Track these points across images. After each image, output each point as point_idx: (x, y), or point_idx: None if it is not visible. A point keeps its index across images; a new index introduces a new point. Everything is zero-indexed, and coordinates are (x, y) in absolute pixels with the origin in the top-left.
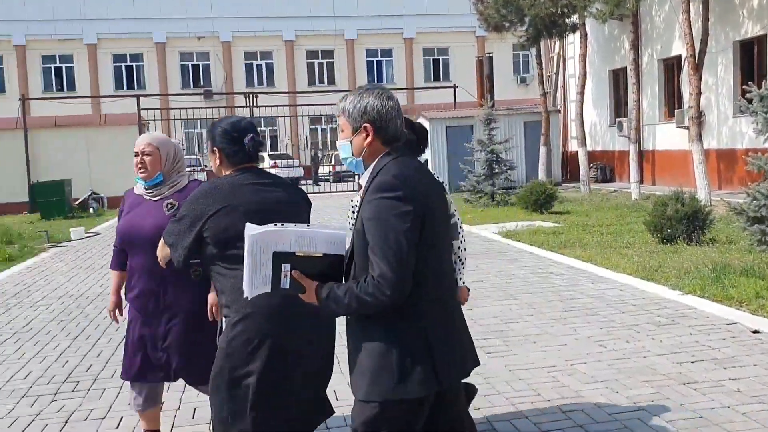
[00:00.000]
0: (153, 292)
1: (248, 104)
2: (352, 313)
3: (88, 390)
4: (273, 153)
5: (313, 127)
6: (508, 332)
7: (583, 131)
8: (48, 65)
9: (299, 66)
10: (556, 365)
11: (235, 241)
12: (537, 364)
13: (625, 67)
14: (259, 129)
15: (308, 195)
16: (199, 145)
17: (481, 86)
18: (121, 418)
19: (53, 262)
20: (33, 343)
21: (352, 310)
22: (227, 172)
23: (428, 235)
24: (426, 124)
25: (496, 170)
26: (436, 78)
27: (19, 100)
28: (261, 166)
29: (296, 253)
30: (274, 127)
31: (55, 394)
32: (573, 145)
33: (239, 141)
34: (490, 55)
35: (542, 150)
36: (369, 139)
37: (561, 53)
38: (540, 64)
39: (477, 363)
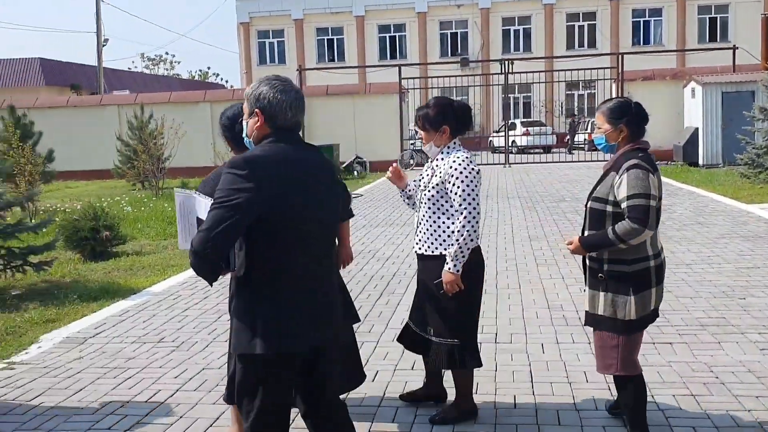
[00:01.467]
0: None
1: (503, 71)
2: (194, 268)
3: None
4: (525, 120)
5: (570, 92)
6: None
7: None
8: (321, 37)
9: (558, 30)
10: None
11: None
12: None
13: None
14: (512, 95)
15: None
16: None
17: (766, 47)
18: (377, 372)
19: None
20: None
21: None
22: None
23: (281, 215)
24: (698, 89)
25: None
26: (712, 38)
27: (297, 70)
28: (513, 132)
29: None
30: (528, 94)
31: None
32: None
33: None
34: None
35: None
36: (258, 123)
37: None
38: None
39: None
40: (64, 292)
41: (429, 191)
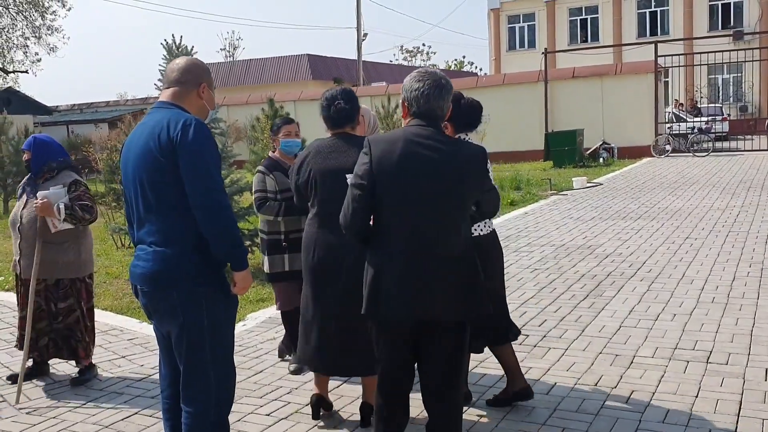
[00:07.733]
0: None
1: None
2: None
3: (534, 346)
4: None
5: None
6: None
7: None
8: (574, 18)
9: None
10: None
11: None
12: None
13: None
14: None
15: None
16: (723, 93)
17: None
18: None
19: (549, 210)
20: None
21: None
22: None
23: (384, 191)
24: None
25: None
26: None
27: (542, 53)
28: None
29: None
30: None
31: None
32: None
33: (326, 108)
34: None
35: None
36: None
37: None
38: None
39: None
40: None
41: None
